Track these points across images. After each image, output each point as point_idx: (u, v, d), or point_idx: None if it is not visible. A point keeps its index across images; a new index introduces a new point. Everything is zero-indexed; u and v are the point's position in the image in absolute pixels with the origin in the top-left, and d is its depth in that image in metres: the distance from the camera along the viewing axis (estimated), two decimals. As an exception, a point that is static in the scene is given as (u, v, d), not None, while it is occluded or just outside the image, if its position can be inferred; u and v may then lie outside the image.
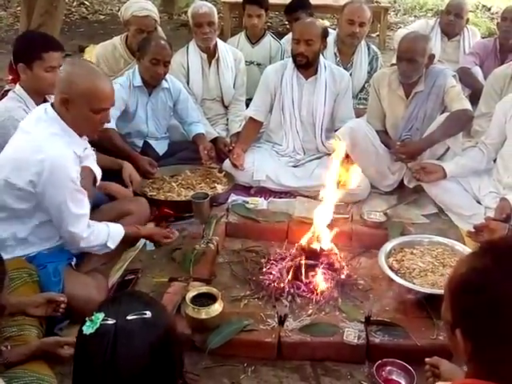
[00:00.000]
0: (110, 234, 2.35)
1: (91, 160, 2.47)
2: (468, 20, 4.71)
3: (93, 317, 1.18)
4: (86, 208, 2.26)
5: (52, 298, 1.99)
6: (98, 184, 2.53)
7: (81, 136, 2.27)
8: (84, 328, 1.18)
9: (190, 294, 2.21)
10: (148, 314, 1.19)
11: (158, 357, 1.17)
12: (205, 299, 2.21)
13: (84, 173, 2.34)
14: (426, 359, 1.72)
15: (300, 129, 3.54)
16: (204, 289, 2.29)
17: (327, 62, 3.56)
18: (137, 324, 1.17)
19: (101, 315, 1.18)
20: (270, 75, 3.54)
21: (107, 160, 2.96)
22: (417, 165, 3.20)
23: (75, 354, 1.21)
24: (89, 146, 2.56)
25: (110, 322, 1.16)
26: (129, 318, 1.17)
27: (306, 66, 3.40)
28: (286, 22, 8.26)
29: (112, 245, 2.35)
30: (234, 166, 3.40)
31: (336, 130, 3.44)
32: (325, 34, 3.37)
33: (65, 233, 2.25)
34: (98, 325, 1.16)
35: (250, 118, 3.62)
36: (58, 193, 2.14)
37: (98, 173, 2.50)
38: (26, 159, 2.12)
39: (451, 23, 4.53)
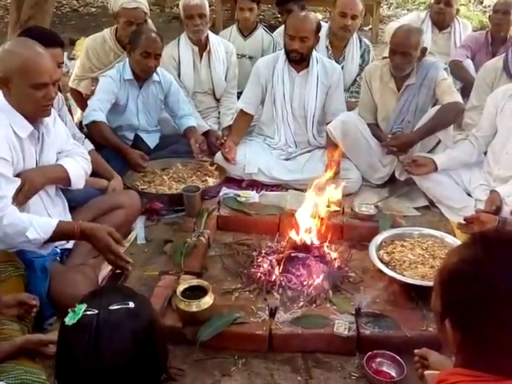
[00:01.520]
0: (34, 223, 2.07)
1: (71, 160, 2.39)
2: (458, 11, 4.73)
3: (75, 308, 1.17)
4: (1, 190, 2.05)
5: (24, 301, 1.94)
6: (74, 186, 2.39)
7: (32, 118, 2.17)
8: (66, 319, 1.17)
9: (181, 287, 2.20)
10: (131, 304, 1.18)
11: (142, 348, 1.16)
12: (196, 292, 2.21)
13: (42, 169, 2.27)
14: (415, 350, 1.73)
15: (292, 122, 3.53)
16: (195, 282, 2.28)
17: (319, 54, 3.55)
18: (120, 314, 1.16)
19: (83, 306, 1.17)
20: (261, 68, 3.52)
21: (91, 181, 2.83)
22: (408, 158, 3.21)
23: (57, 345, 1.20)
24: (76, 149, 2.51)
25: (93, 312, 1.16)
26: (112, 308, 1.17)
27: (300, 61, 3.39)
28: (278, 15, 8.26)
29: (32, 234, 2.05)
30: (226, 159, 3.39)
31: (328, 123, 3.44)
32: (318, 28, 3.36)
33: None
34: (80, 315, 1.15)
35: (241, 110, 3.60)
36: None
37: (77, 174, 2.39)
38: None
39: (441, 11, 4.55)
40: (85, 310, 1.16)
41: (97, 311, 1.16)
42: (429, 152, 3.31)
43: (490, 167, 3.07)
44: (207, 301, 2.15)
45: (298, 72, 3.45)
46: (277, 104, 3.50)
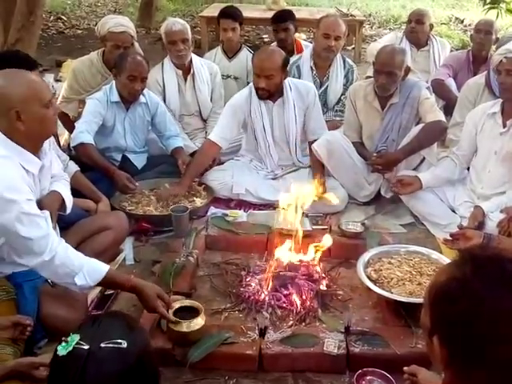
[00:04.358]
0: (84, 269, 2.00)
1: (62, 185, 2.41)
2: (432, 26, 4.82)
3: (69, 338, 1.18)
4: (42, 230, 1.98)
5: (18, 321, 1.95)
6: (68, 210, 2.42)
7: (36, 151, 2.13)
8: (59, 348, 1.18)
9: (173, 309, 2.17)
10: (123, 343, 1.19)
11: None
12: (187, 313, 2.19)
13: (51, 196, 2.30)
14: (405, 368, 1.73)
15: (274, 151, 3.54)
16: (187, 302, 2.26)
17: (291, 80, 3.53)
18: (109, 353, 1.17)
19: (76, 337, 1.18)
20: (237, 104, 3.46)
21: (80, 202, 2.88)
22: (394, 178, 3.25)
23: (50, 371, 1.21)
24: (61, 172, 2.53)
25: (84, 346, 1.17)
26: (102, 345, 1.18)
27: (268, 98, 3.39)
28: (264, 36, 8.37)
29: (80, 281, 1.99)
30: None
31: (310, 143, 3.48)
32: (285, 63, 3.31)
33: (22, 259, 1.99)
34: (71, 347, 1.17)
35: (209, 140, 3.47)
36: (4, 218, 1.90)
37: (69, 199, 2.42)
38: None
39: (414, 30, 4.68)
40: (77, 343, 1.17)
41: (88, 346, 1.17)
42: (413, 170, 3.36)
43: (473, 185, 3.12)
44: (198, 322, 2.14)
45: (273, 102, 3.44)
46: (258, 136, 3.51)
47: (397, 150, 3.34)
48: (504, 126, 2.98)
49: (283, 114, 3.46)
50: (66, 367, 1.16)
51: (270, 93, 3.35)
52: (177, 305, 2.20)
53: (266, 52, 3.42)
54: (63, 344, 1.18)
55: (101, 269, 2.05)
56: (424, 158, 3.34)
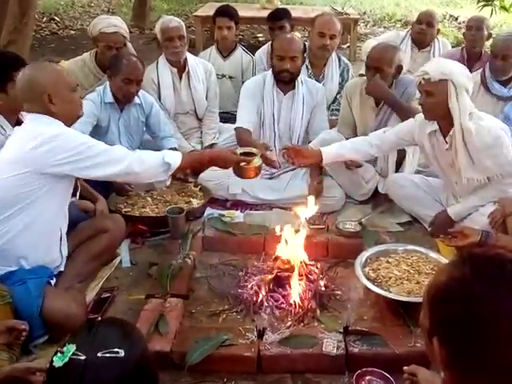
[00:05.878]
0: (165, 152, 2.44)
1: None
2: (439, 30, 4.81)
3: (64, 348, 1.16)
4: (105, 144, 2.31)
5: (13, 326, 1.94)
6: (77, 197, 2.59)
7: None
8: (54, 359, 1.16)
9: (239, 151, 2.67)
10: (121, 352, 1.17)
11: None
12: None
13: None
14: (404, 367, 1.72)
15: (278, 144, 3.54)
16: (248, 149, 2.75)
17: (302, 76, 3.56)
18: (107, 362, 1.15)
19: (72, 348, 1.16)
20: (252, 88, 3.50)
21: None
22: (290, 146, 3.18)
23: (46, 383, 1.19)
24: None
25: (80, 357, 1.15)
26: (99, 355, 1.15)
27: (290, 81, 3.42)
28: (258, 35, 8.34)
29: (171, 160, 2.35)
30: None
31: (309, 142, 3.47)
32: (304, 48, 3.40)
33: (114, 169, 2.27)
34: (67, 358, 1.15)
35: (240, 128, 3.46)
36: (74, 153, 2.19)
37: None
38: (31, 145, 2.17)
39: (423, 32, 4.61)
40: (73, 353, 1.15)
41: (84, 357, 1.15)
42: (397, 165, 3.36)
43: (453, 193, 3.07)
44: (257, 160, 2.67)
45: (284, 94, 3.46)
46: (265, 126, 3.50)
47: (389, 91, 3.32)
48: (446, 143, 2.88)
49: (291, 107, 3.47)
50: (62, 379, 1.14)
51: (293, 76, 3.38)
52: (239, 151, 2.71)
53: (288, 36, 3.52)
54: (59, 355, 1.15)
55: (176, 152, 2.54)
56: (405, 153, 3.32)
